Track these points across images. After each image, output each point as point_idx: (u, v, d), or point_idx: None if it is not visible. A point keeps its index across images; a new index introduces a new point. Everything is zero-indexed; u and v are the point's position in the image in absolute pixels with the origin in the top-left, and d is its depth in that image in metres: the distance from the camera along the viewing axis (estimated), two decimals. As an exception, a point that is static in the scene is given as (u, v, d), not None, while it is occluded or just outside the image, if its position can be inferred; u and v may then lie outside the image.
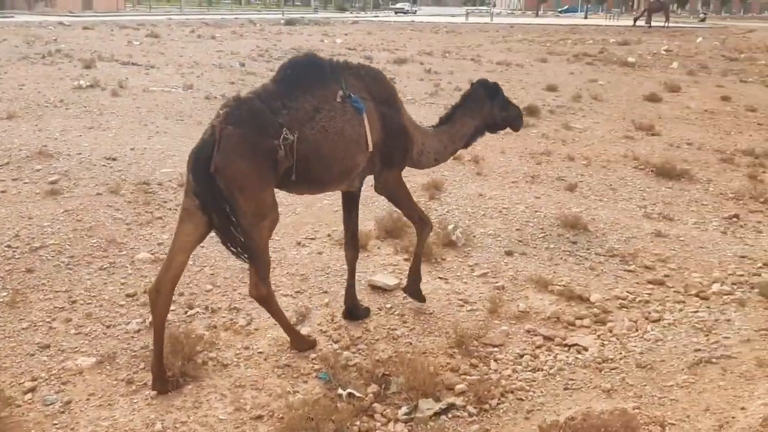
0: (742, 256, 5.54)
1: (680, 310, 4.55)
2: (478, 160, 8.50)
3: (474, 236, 5.96)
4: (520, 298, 4.81)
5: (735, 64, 20.69)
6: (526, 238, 5.96)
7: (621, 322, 4.37)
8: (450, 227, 5.82)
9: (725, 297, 4.70)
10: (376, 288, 4.93)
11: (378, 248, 5.72)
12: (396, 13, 63.01)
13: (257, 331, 4.31)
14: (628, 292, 4.87)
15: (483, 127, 4.64)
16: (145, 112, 10.95)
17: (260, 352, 4.07)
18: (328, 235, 5.95)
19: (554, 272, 5.23)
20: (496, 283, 5.05)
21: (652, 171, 8.25)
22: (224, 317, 4.49)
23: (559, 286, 4.93)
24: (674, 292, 4.89)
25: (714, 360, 3.55)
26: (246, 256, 3.67)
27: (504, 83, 16.04)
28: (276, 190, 3.73)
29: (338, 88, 3.82)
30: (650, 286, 5.00)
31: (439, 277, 5.15)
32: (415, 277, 4.59)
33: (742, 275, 5.15)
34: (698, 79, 17.33)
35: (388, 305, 4.69)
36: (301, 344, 4.09)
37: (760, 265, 5.35)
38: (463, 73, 17.80)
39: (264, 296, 3.77)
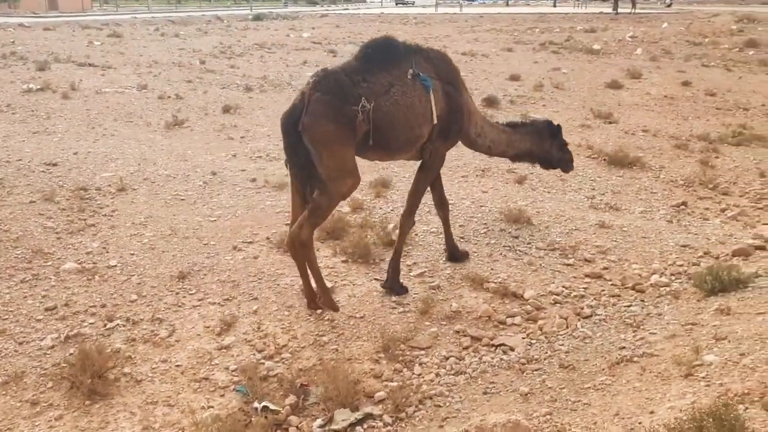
0: (684, 246, 5.48)
1: (614, 304, 4.47)
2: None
3: (416, 234, 5.84)
4: (455, 297, 4.71)
5: (698, 49, 20.76)
6: (468, 234, 5.85)
7: (552, 319, 4.28)
8: (390, 226, 5.70)
9: (662, 289, 4.64)
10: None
11: (317, 250, 5.55)
12: (397, 4, 63.27)
13: (178, 343, 4.15)
14: (564, 287, 4.78)
15: (537, 156, 5.31)
16: (95, 115, 10.67)
17: (178, 366, 3.91)
18: (267, 238, 5.79)
19: (492, 269, 5.13)
20: (433, 282, 4.94)
21: (604, 160, 8.18)
22: (145, 329, 4.32)
23: (495, 283, 4.83)
24: (611, 285, 4.81)
25: (636, 358, 3.46)
26: (311, 205, 4.17)
27: (467, 74, 16.02)
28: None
29: (409, 67, 4.35)
30: (587, 279, 4.91)
31: (375, 279, 5.02)
32: (394, 271, 4.75)
33: (681, 265, 5.09)
34: (661, 65, 17.35)
35: (319, 310, 4.55)
36: (329, 303, 4.42)
37: (700, 254, 5.29)
38: (427, 64, 17.60)
39: (303, 241, 4.19)
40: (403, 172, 7.76)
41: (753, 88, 14.23)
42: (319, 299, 4.45)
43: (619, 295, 4.61)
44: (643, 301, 4.46)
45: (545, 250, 5.48)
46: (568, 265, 5.18)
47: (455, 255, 5.23)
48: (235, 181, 7.32)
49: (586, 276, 4.97)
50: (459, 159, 8.35)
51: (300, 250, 4.25)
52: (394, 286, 4.73)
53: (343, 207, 6.47)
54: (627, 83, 14.40)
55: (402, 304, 4.62)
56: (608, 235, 5.75)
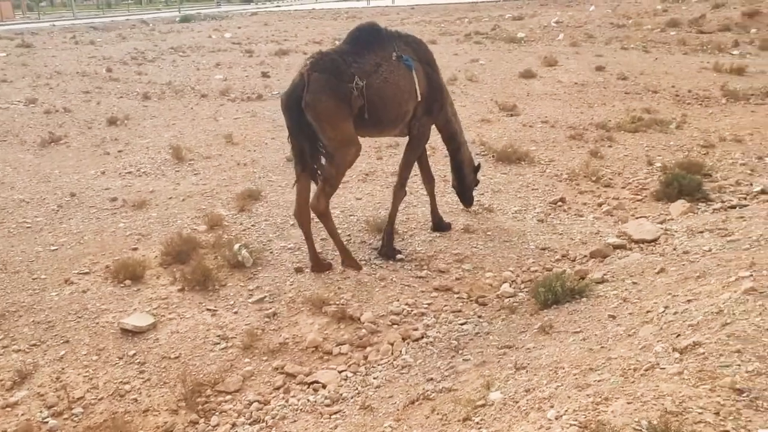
0: (544, 248, 5.20)
1: (450, 322, 4.14)
2: (314, 159, 7.92)
3: (271, 252, 5.43)
4: (289, 325, 4.32)
5: (621, 31, 20.81)
6: (328, 248, 5.46)
7: (380, 345, 3.92)
8: (236, 247, 5.26)
9: (506, 301, 4.34)
10: (125, 332, 4.32)
11: (156, 278, 5.10)
12: None
13: (-47, 406, 3.65)
14: (407, 304, 4.44)
15: (464, 180, 5.87)
16: (-32, 135, 9.93)
17: (-58, 435, 3.42)
18: (107, 267, 5.30)
19: (339, 288, 4.75)
20: (270, 309, 4.54)
21: (493, 157, 7.89)
22: None
23: (337, 305, 4.46)
24: (457, 298, 4.50)
25: (433, 395, 3.12)
26: (322, 176, 4.65)
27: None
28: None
29: (393, 50, 4.79)
30: (434, 294, 4.59)
31: (208, 309, 4.59)
32: (387, 238, 5.16)
33: (535, 271, 4.80)
34: (580, 50, 17.26)
35: (132, 352, 4.10)
36: (352, 263, 4.92)
37: (558, 257, 5.02)
38: (346, 61, 17.16)
39: (322, 211, 4.72)
40: (281, 179, 7.33)
41: (667, 69, 14.22)
42: (343, 262, 4.95)
43: (460, 311, 4.29)
44: (480, 317, 4.14)
45: (402, 261, 5.14)
46: (420, 278, 4.85)
47: (440, 225, 5.64)
48: (93, 203, 6.78)
49: (435, 289, 4.64)
50: (344, 163, 7.95)
51: (320, 219, 4.78)
52: (388, 253, 5.13)
53: (199, 225, 6.03)
54: (541, 72, 14.22)
55: (227, 338, 4.21)
56: (470, 241, 5.44)
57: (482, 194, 6.67)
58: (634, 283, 4.04)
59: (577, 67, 14.80)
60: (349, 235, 5.69)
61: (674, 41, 18.27)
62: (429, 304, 4.42)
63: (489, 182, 7.06)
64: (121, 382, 3.82)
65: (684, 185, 6.11)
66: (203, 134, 9.47)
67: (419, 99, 4.86)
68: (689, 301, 3.02)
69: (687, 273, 3.70)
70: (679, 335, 2.64)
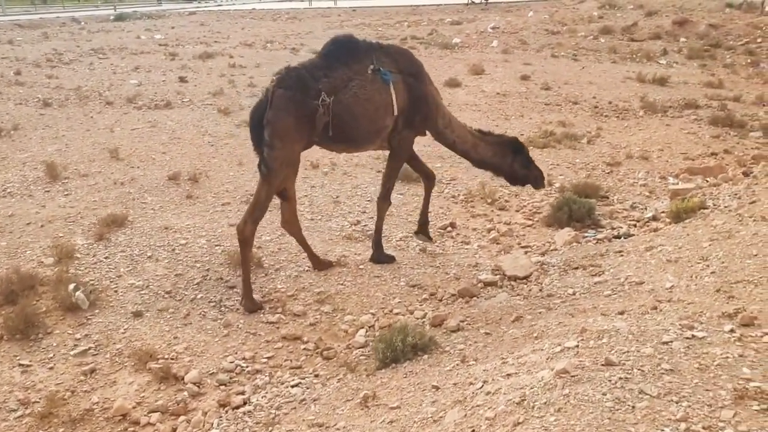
0: (414, 286, 4.79)
1: (281, 383, 3.70)
2: (199, 177, 7.38)
3: (116, 291, 4.87)
4: (105, 385, 3.79)
5: (555, 38, 20.77)
6: (180, 286, 4.94)
7: (195, 415, 3.43)
8: (71, 287, 4.68)
9: (353, 354, 3.90)
10: None
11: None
12: None
13: None
14: (244, 358, 3.96)
15: (500, 170, 5.35)
16: None
17: None
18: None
19: (175, 337, 4.24)
20: (90, 364, 3.99)
21: (391, 174, 7.46)
22: None
23: (165, 359, 3.95)
24: (303, 350, 4.04)
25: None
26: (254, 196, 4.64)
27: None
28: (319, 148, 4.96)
29: (370, 63, 4.64)
30: (279, 344, 4.12)
31: (21, 364, 4.02)
32: (378, 248, 5.22)
33: (398, 314, 4.38)
34: (510, 58, 17.09)
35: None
36: (248, 303, 4.56)
37: (425, 296, 4.62)
38: (272, 65, 16.54)
39: (247, 236, 4.56)
40: (157, 201, 6.75)
41: (592, 78, 14.12)
42: (242, 301, 4.64)
43: (300, 367, 3.84)
44: (317, 376, 3.70)
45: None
46: (271, 323, 4.37)
47: (424, 229, 5.48)
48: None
49: (283, 338, 4.17)
50: (234, 182, 7.43)
51: (240, 244, 4.59)
52: (380, 259, 5.16)
53: (46, 258, 5.41)
54: (467, 80, 13.91)
55: (28, 403, 3.65)
56: (339, 276, 4.99)
57: (373, 217, 6.23)
58: (487, 334, 3.67)
59: (504, 75, 14.58)
60: (207, 269, 5.17)
61: (605, 49, 18.31)
62: (269, 358, 3.95)
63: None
64: None
65: (574, 210, 5.81)
66: (90, 148, 8.79)
67: (396, 113, 4.73)
68: (509, 375, 2.63)
69: (534, 328, 3.33)
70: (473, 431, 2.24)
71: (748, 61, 15.57)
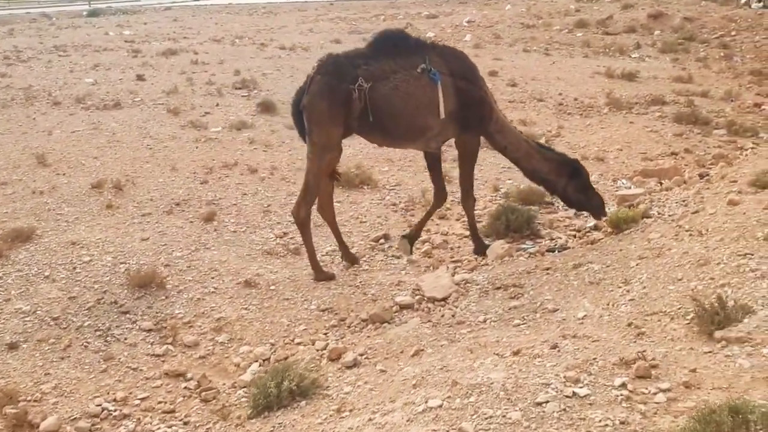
0: (326, 309, 4.38)
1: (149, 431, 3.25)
2: (125, 185, 6.90)
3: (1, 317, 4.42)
4: (-49, 434, 3.34)
5: (530, 31, 20.35)
6: (70, 312, 4.49)
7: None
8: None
9: (234, 395, 3.47)
10: None
11: None
12: None
13: None
14: (115, 400, 3.53)
15: (552, 188, 5.15)
16: None
17: None
18: None
19: (47, 373, 3.81)
20: (-57, 406, 3.54)
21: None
22: None
23: (27, 401, 3.52)
24: (183, 389, 3.62)
25: None
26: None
27: (274, 70, 14.67)
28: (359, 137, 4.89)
29: (421, 61, 4.59)
30: (159, 382, 3.70)
31: None
32: (476, 240, 5.20)
33: (299, 344, 3.97)
34: (481, 53, 16.62)
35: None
36: (321, 275, 4.79)
37: (334, 322, 4.20)
38: (236, 62, 16.10)
39: (301, 220, 4.76)
40: (74, 212, 6.27)
41: (561, 74, 13.74)
42: (316, 278, 4.80)
43: (173, 411, 3.42)
44: (186, 423, 3.28)
45: (150, 331, 4.22)
46: (156, 356, 3.95)
47: (413, 239, 5.35)
48: None
49: (165, 375, 3.74)
50: (163, 188, 6.93)
51: (299, 228, 4.85)
52: (481, 250, 5.12)
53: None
54: (433, 76, 13.45)
55: None
56: (247, 299, 4.56)
57: (294, 232, 5.79)
58: (381, 371, 3.26)
59: (472, 71, 14.10)
60: (104, 291, 4.71)
61: (579, 43, 17.93)
62: (143, 399, 3.53)
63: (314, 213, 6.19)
64: None
65: (512, 220, 5.41)
66: (19, 153, 8.29)
67: (442, 116, 4.62)
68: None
69: (423, 369, 2.92)
70: None
71: (721, 54, 15.23)
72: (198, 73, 14.61)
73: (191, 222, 6.07)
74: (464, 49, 18.19)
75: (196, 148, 8.48)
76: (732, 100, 10.65)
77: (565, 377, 2.34)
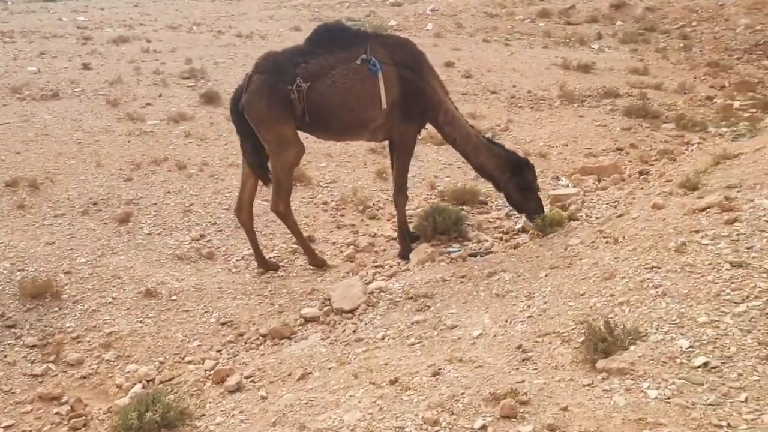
0: (226, 323, 4.11)
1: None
2: (43, 183, 6.51)
3: None
4: None
5: (492, 21, 20.13)
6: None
7: None
8: None
9: (108, 423, 3.18)
10: None
11: None
12: None
13: None
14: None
15: (498, 185, 4.99)
16: None
17: None
18: None
19: None
20: None
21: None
22: None
23: None
24: (55, 414, 3.34)
25: None
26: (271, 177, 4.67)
27: (227, 59, 14.19)
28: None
29: (362, 52, 4.50)
30: (30, 407, 3.39)
31: None
32: (403, 243, 5.00)
33: (190, 362, 3.68)
34: (440, 42, 16.37)
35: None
36: (316, 260, 4.88)
37: (231, 337, 3.93)
38: (189, 50, 15.58)
39: (282, 212, 4.74)
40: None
41: (518, 65, 13.54)
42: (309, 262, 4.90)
43: (36, 443, 3.11)
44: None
45: (31, 348, 3.90)
46: (35, 376, 3.64)
47: (409, 245, 5.06)
48: None
49: (39, 398, 3.44)
50: (85, 186, 6.55)
51: (282, 220, 4.83)
52: (405, 254, 4.90)
53: None
54: (388, 66, 13.15)
55: None
56: (144, 310, 4.27)
57: (222, 230, 5.51)
58: (262, 398, 3.01)
59: (428, 61, 13.82)
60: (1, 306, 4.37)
61: (540, 33, 17.76)
62: (7, 428, 3.22)
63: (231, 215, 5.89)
64: None
65: (439, 222, 5.17)
66: (-63, 148, 7.83)
67: (384, 106, 4.52)
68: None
69: (290, 402, 2.67)
70: None
71: (681, 45, 15.17)
72: (147, 62, 14.08)
73: (105, 224, 5.73)
74: (425, 39, 17.84)
75: (128, 142, 8.07)
76: (685, 93, 10.55)
77: (423, 419, 2.11)
